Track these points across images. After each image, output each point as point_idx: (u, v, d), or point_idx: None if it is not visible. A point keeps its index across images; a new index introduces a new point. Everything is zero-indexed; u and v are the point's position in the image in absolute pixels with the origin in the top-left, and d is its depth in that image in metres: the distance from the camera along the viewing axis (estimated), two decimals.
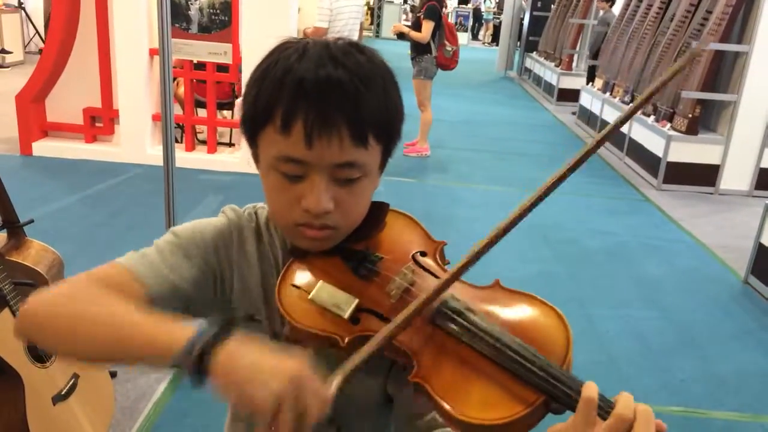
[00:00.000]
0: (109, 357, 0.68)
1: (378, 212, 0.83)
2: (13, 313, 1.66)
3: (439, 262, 0.79)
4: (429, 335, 0.69)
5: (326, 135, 0.70)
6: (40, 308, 0.70)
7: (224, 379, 0.61)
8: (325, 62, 0.70)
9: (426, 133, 5.86)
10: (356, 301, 0.72)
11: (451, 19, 18.60)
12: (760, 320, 3.31)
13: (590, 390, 0.61)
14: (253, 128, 0.75)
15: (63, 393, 1.78)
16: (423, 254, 0.79)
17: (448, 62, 5.63)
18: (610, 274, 3.76)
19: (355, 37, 5.13)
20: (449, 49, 5.56)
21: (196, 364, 0.61)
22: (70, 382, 1.82)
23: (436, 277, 0.76)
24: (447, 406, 0.64)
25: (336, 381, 0.63)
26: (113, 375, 2.23)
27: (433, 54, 5.51)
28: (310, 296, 0.73)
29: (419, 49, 5.50)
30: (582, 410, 0.60)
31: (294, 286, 0.75)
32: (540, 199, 0.68)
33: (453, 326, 0.69)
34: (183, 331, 0.63)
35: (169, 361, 0.63)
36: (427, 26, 5.38)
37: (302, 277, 0.76)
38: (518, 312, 0.71)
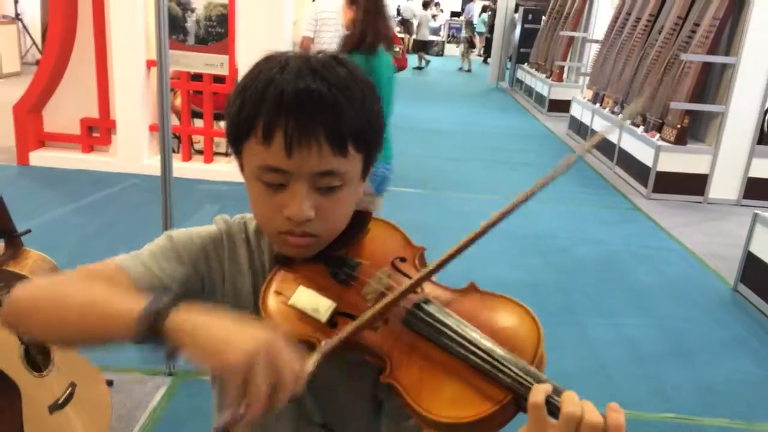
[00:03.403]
0: (82, 334, 0.71)
1: (361, 219, 0.85)
2: None
3: (418, 266, 0.81)
4: (401, 336, 0.71)
5: (306, 144, 0.72)
6: (22, 294, 0.73)
7: (191, 337, 0.62)
8: (305, 74, 0.73)
9: None
10: (334, 305, 0.74)
11: (443, 32, 18.73)
12: (750, 328, 3.34)
13: (536, 395, 0.61)
14: (236, 139, 0.78)
15: (60, 402, 1.77)
16: (402, 260, 0.81)
17: (399, 63, 5.63)
18: (601, 282, 3.79)
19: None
20: (397, 49, 5.56)
21: (156, 318, 0.63)
22: (67, 391, 1.81)
23: None
24: (416, 406, 0.65)
25: (312, 359, 0.65)
26: (110, 384, 2.23)
27: None
28: (290, 301, 0.75)
29: None
30: (531, 415, 0.62)
31: (276, 292, 0.77)
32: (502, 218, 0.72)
33: (424, 327, 0.71)
34: (141, 299, 0.66)
35: (132, 324, 0.64)
36: None
37: (285, 283, 0.79)
38: (490, 312, 0.73)
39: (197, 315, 0.64)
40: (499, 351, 0.66)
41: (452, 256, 0.71)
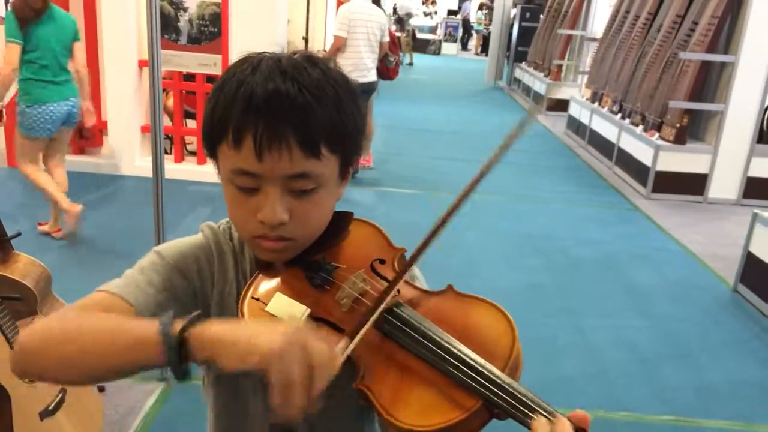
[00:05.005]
0: (103, 367, 0.69)
1: (341, 222, 0.84)
2: (1, 328, 1.64)
3: (397, 268, 0.79)
4: (372, 341, 0.70)
5: (276, 147, 0.71)
6: (30, 340, 0.71)
7: (220, 345, 0.62)
8: (275, 76, 0.72)
9: (368, 146, 5.73)
10: (308, 311, 0.74)
11: (440, 30, 18.75)
12: (750, 329, 3.33)
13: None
14: (211, 142, 0.77)
15: (50, 408, 1.77)
16: (381, 261, 0.80)
17: (390, 72, 5.57)
18: (600, 283, 3.77)
19: (374, 53, 5.05)
20: (392, 59, 5.49)
21: (178, 335, 0.63)
22: (58, 397, 1.80)
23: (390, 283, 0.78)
24: (384, 412, 0.64)
25: (342, 343, 0.65)
26: (101, 389, 2.21)
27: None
28: (266, 308, 0.75)
29: None
30: None
31: (254, 298, 0.77)
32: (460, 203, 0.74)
33: (395, 331, 0.70)
34: (156, 320, 0.66)
35: (159, 347, 0.64)
36: None
37: (262, 289, 0.78)
38: (464, 314, 0.72)
39: (218, 325, 0.65)
40: (469, 356, 0.65)
41: (426, 243, 0.71)
